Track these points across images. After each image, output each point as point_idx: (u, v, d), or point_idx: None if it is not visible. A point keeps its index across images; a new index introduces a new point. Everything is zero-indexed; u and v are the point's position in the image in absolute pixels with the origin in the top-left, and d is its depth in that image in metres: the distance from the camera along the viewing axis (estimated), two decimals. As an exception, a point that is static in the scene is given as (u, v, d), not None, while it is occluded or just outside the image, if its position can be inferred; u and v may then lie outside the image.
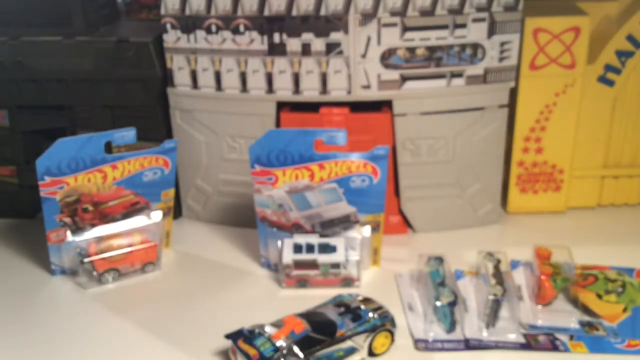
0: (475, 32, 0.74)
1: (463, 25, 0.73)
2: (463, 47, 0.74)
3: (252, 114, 0.78)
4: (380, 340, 0.61)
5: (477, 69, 0.76)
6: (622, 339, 0.62)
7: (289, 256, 0.70)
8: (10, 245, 0.81)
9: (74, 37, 0.81)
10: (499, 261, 0.68)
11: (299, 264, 0.70)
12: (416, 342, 0.62)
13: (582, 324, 0.64)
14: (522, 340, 0.62)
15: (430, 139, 0.78)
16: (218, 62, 0.77)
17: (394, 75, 0.75)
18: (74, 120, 0.84)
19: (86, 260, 0.71)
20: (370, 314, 0.61)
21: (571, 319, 0.64)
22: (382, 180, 0.70)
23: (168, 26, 0.78)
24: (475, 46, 0.75)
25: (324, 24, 0.73)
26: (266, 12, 0.74)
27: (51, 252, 0.73)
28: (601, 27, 0.81)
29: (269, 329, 0.58)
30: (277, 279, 0.73)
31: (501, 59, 0.76)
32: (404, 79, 0.75)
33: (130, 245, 0.73)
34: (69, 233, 0.72)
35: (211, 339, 0.62)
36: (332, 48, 0.74)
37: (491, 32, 0.74)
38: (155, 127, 0.83)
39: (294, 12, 0.73)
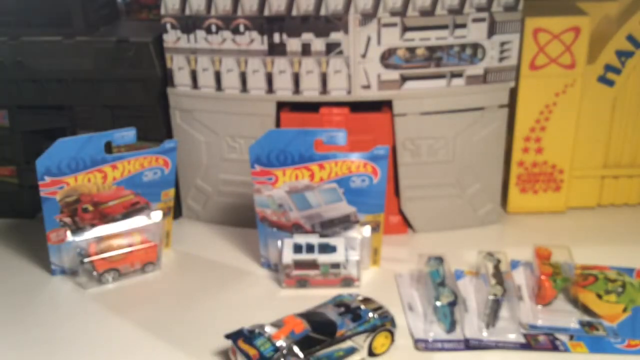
0: (475, 32, 0.74)
1: (463, 25, 0.73)
2: (463, 47, 0.74)
3: (252, 114, 0.78)
4: (380, 340, 0.61)
5: (477, 69, 0.76)
6: (622, 339, 0.62)
7: (289, 256, 0.70)
8: (10, 245, 0.81)
9: (74, 37, 0.81)
10: (499, 261, 0.68)
11: (299, 264, 0.70)
12: (416, 342, 0.62)
13: (582, 324, 0.64)
14: (522, 340, 0.62)
15: (430, 139, 0.78)
16: (218, 62, 0.77)
17: (394, 75, 0.75)
18: (74, 120, 0.84)
19: (86, 260, 0.71)
20: (370, 314, 0.61)
21: (571, 319, 0.64)
22: (382, 180, 0.70)
23: (168, 26, 0.78)
24: (475, 46, 0.75)
25: (324, 24, 0.73)
26: (266, 12, 0.74)
27: (51, 252, 0.73)
28: (601, 27, 0.81)
29: (269, 329, 0.58)
30: (277, 279, 0.73)
31: (501, 59, 0.76)
32: (404, 79, 0.75)
33: (130, 245, 0.73)
34: (69, 233, 0.72)
35: (211, 339, 0.62)
36: (332, 48, 0.74)
37: (491, 32, 0.74)
38: (155, 127, 0.83)
39: (294, 12, 0.73)
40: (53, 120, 0.84)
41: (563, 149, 0.82)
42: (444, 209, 0.81)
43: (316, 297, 0.65)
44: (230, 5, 0.74)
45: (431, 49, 0.74)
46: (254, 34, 0.75)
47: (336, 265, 0.70)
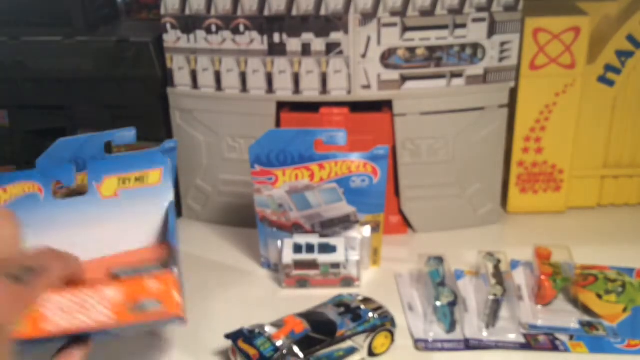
0: (475, 32, 0.74)
1: (463, 25, 0.73)
2: (463, 47, 0.74)
3: (252, 114, 0.78)
4: (380, 340, 0.61)
5: (477, 69, 0.76)
6: (622, 339, 0.62)
7: (289, 256, 0.70)
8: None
9: (74, 37, 0.81)
10: (499, 261, 0.68)
11: (299, 264, 0.70)
12: (416, 342, 0.62)
13: (582, 324, 0.64)
14: (522, 340, 0.62)
15: (430, 139, 0.78)
16: (218, 62, 0.77)
17: (394, 75, 0.75)
18: (74, 120, 0.84)
19: (86, 260, 0.71)
20: (370, 314, 0.61)
21: (571, 319, 0.64)
22: (382, 180, 0.70)
23: (168, 26, 0.78)
24: (475, 46, 0.75)
25: (324, 24, 0.73)
26: (266, 12, 0.74)
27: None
28: (601, 27, 0.81)
29: (269, 329, 0.58)
30: (277, 279, 0.73)
31: (501, 59, 0.76)
32: (404, 79, 0.75)
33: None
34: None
35: (211, 339, 0.62)
36: (332, 48, 0.74)
37: (491, 32, 0.74)
38: (155, 127, 0.83)
39: (294, 12, 0.73)
40: (53, 120, 0.84)
41: (563, 149, 0.82)
42: (444, 209, 0.81)
43: (316, 297, 0.65)
44: (230, 5, 0.74)
45: (431, 49, 0.74)
46: (254, 34, 0.75)
47: (336, 265, 0.70)
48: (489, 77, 0.76)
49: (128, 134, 0.73)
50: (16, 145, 0.84)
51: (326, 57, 0.74)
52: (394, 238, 0.80)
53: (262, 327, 0.59)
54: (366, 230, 0.72)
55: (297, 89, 0.76)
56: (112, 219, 0.58)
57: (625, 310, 0.66)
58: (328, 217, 0.72)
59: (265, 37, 0.75)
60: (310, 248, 0.70)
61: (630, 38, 0.79)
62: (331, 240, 0.71)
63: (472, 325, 0.64)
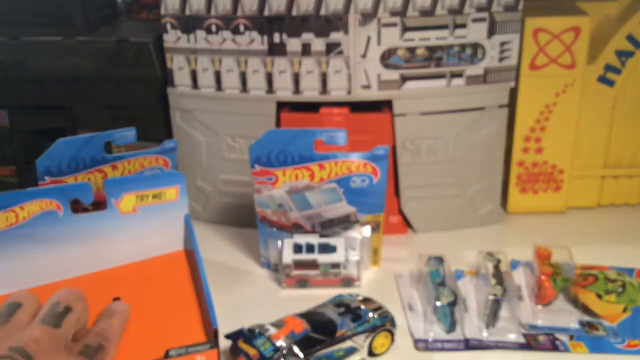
0: (475, 32, 0.74)
1: (463, 25, 0.73)
2: (463, 47, 0.74)
3: (252, 114, 0.78)
4: (380, 340, 0.61)
5: (477, 69, 0.76)
6: (622, 339, 0.62)
7: (289, 256, 0.70)
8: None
9: (74, 37, 0.81)
10: (499, 261, 0.68)
11: (299, 264, 0.70)
12: (416, 342, 0.62)
13: (582, 324, 0.64)
14: (522, 340, 0.62)
15: (430, 139, 0.78)
16: (218, 62, 0.77)
17: (394, 75, 0.75)
18: (74, 120, 0.84)
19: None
20: (370, 314, 0.61)
21: (571, 319, 0.64)
22: (382, 180, 0.70)
23: (168, 26, 0.78)
24: (475, 46, 0.75)
25: (324, 24, 0.73)
26: (266, 12, 0.74)
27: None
28: (601, 27, 0.81)
29: (269, 329, 0.58)
30: (277, 279, 0.73)
31: (501, 59, 0.76)
32: (404, 79, 0.75)
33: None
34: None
35: (211, 339, 0.62)
36: (332, 48, 0.74)
37: (491, 32, 0.74)
38: (155, 127, 0.83)
39: (294, 12, 0.73)
40: (53, 120, 0.84)
41: (563, 149, 0.82)
42: (444, 209, 0.81)
43: (316, 297, 0.65)
44: (230, 5, 0.74)
45: (431, 49, 0.74)
46: (254, 34, 0.75)
47: (336, 265, 0.70)
48: (489, 77, 0.76)
49: (128, 134, 0.73)
50: (16, 145, 0.84)
51: (326, 57, 0.75)
52: (394, 238, 0.80)
53: (262, 327, 0.59)
54: (366, 230, 0.72)
55: (297, 89, 0.76)
56: (131, 232, 0.61)
57: (625, 310, 0.66)
58: (328, 217, 0.72)
59: (265, 37, 0.75)
60: (310, 248, 0.70)
61: (630, 38, 0.79)
62: (331, 240, 0.71)
63: (472, 325, 0.64)
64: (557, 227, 0.83)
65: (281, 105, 0.78)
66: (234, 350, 0.59)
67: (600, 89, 0.81)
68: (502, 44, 0.75)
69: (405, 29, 0.73)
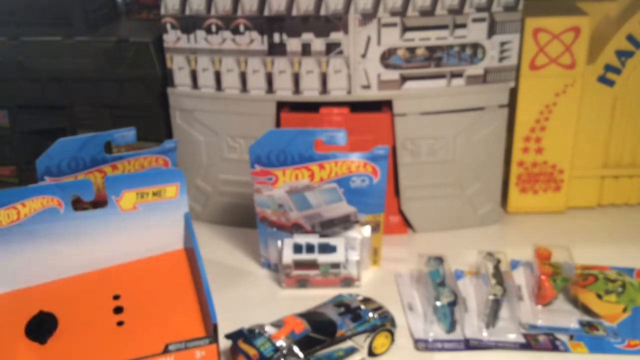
0: (475, 32, 0.74)
1: (463, 25, 0.73)
2: (463, 47, 0.74)
3: (252, 114, 0.78)
4: (380, 340, 0.61)
5: (477, 69, 0.76)
6: (622, 339, 0.62)
7: (289, 256, 0.70)
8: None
9: (74, 37, 0.81)
10: (499, 261, 0.68)
11: (299, 264, 0.70)
12: (416, 342, 0.62)
13: (582, 324, 0.64)
14: (522, 340, 0.62)
15: (430, 139, 0.78)
16: (218, 62, 0.77)
17: (394, 75, 0.75)
18: (74, 120, 0.84)
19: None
20: (370, 314, 0.61)
21: (571, 319, 0.64)
22: (382, 180, 0.70)
23: (168, 26, 0.78)
24: (475, 46, 0.75)
25: (324, 24, 0.73)
26: (266, 12, 0.74)
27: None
28: (601, 27, 0.81)
29: (269, 329, 0.58)
30: (277, 279, 0.73)
31: (501, 59, 0.76)
32: (404, 79, 0.75)
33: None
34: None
35: (211, 339, 0.62)
36: (332, 48, 0.74)
37: (491, 32, 0.74)
38: (155, 127, 0.83)
39: (294, 12, 0.73)
40: (53, 120, 0.84)
41: (563, 149, 0.82)
42: (444, 209, 0.81)
43: (316, 297, 0.65)
44: (230, 5, 0.74)
45: (431, 49, 0.74)
46: (254, 34, 0.75)
47: (336, 265, 0.70)
48: (489, 77, 0.76)
49: (128, 134, 0.73)
50: (16, 145, 0.84)
51: (326, 57, 0.75)
52: (394, 238, 0.80)
53: (262, 327, 0.59)
54: (366, 230, 0.72)
55: (297, 89, 0.76)
56: (132, 229, 0.61)
57: (625, 310, 0.66)
58: (328, 217, 0.72)
59: (265, 37, 0.75)
60: (310, 248, 0.70)
61: (630, 38, 0.79)
62: (331, 240, 0.71)
63: (472, 325, 0.64)
64: (557, 227, 0.83)
65: (281, 105, 0.78)
66: (234, 350, 0.59)
67: (600, 89, 0.81)
68: (502, 44, 0.75)
69: (405, 29, 0.73)
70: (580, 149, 0.83)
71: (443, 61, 0.75)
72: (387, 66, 0.74)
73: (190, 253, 0.62)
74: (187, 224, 0.63)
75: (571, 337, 0.63)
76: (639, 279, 0.71)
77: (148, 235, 0.62)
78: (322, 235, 0.72)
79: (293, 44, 0.74)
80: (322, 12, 0.73)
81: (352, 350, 0.59)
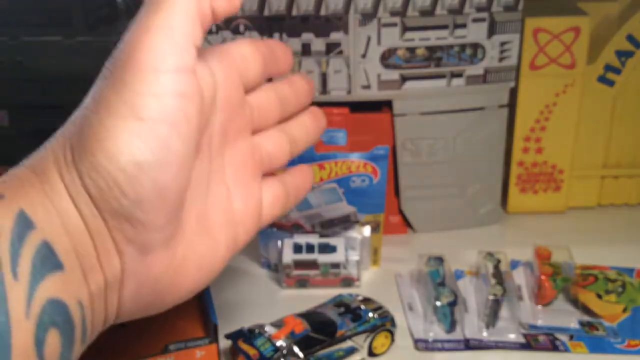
0: (475, 32, 0.74)
1: (463, 25, 0.73)
2: (463, 47, 0.74)
3: (252, 114, 0.78)
4: (381, 340, 0.61)
5: (477, 69, 0.76)
6: (622, 339, 0.62)
7: (289, 256, 0.70)
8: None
9: (74, 37, 0.81)
10: (499, 261, 0.68)
11: (299, 264, 0.70)
12: (416, 342, 0.62)
13: (582, 324, 0.64)
14: (522, 340, 0.62)
15: (430, 139, 0.78)
16: (218, 62, 0.77)
17: (394, 75, 0.75)
18: (74, 120, 0.84)
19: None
20: (370, 314, 0.61)
21: (571, 319, 0.64)
22: (382, 180, 0.70)
23: (168, 26, 0.77)
24: (475, 46, 0.75)
25: (324, 24, 0.73)
26: (266, 12, 0.74)
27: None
28: (601, 27, 0.81)
29: (269, 329, 0.58)
30: (277, 279, 0.73)
31: (501, 59, 0.76)
32: (404, 79, 0.75)
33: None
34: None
35: (211, 339, 0.62)
36: (332, 48, 0.74)
37: (491, 32, 0.74)
38: (155, 127, 0.83)
39: (294, 12, 0.73)
40: (53, 120, 0.84)
41: (563, 149, 0.82)
42: (444, 209, 0.81)
43: (316, 297, 0.65)
44: (230, 5, 0.74)
45: (431, 49, 0.74)
46: (254, 34, 0.75)
47: (336, 265, 0.70)
48: (489, 77, 0.76)
49: (128, 134, 0.73)
50: (16, 145, 0.84)
51: (326, 57, 0.75)
52: (394, 238, 0.80)
53: (262, 327, 0.59)
54: (366, 230, 0.72)
55: (297, 89, 0.76)
56: None
57: (625, 310, 0.66)
58: (328, 217, 0.72)
59: (265, 37, 0.74)
60: (310, 248, 0.70)
61: (630, 38, 0.79)
62: (331, 240, 0.71)
63: (472, 325, 0.64)
64: (557, 227, 0.83)
65: (281, 105, 0.78)
66: (234, 350, 0.59)
67: (600, 89, 0.81)
68: (502, 44, 0.75)
69: (405, 29, 0.73)
70: (580, 149, 0.83)
71: (443, 61, 0.75)
72: (387, 66, 0.74)
73: None
74: None
75: (571, 337, 0.63)
76: (639, 279, 0.71)
77: None
78: (322, 235, 0.72)
79: (293, 44, 0.74)
80: (322, 12, 0.73)
81: (352, 350, 0.59)
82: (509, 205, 0.86)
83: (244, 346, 0.58)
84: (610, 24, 0.81)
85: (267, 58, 0.49)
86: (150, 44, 0.39)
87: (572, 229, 0.82)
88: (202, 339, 0.54)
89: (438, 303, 0.63)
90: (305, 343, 0.57)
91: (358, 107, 0.77)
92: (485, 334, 0.63)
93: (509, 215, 0.86)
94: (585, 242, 0.78)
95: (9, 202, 0.37)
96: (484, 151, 0.79)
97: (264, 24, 0.74)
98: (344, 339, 0.59)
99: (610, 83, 0.80)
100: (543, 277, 0.66)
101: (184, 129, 0.40)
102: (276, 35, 0.74)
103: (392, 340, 0.62)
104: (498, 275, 0.66)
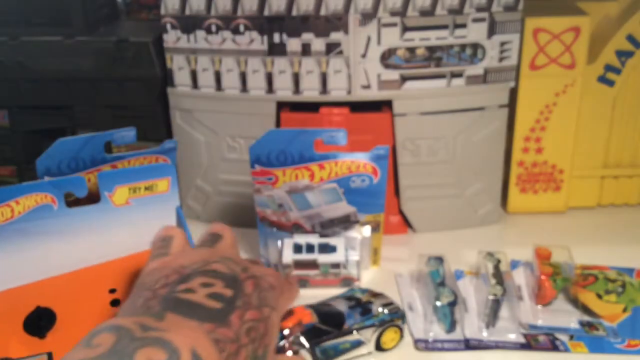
0: (475, 32, 0.74)
1: (463, 25, 0.73)
2: (463, 47, 0.74)
3: (252, 114, 0.78)
4: (390, 335, 0.61)
5: (477, 69, 0.76)
6: (622, 339, 0.62)
7: (289, 256, 0.70)
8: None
9: (74, 37, 0.81)
10: (499, 261, 0.68)
11: (299, 264, 0.70)
12: (416, 342, 0.62)
13: (582, 324, 0.64)
14: (522, 340, 0.62)
15: (430, 139, 0.78)
16: (218, 62, 0.77)
17: (394, 75, 0.75)
18: (74, 120, 0.84)
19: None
20: (380, 309, 0.61)
21: (571, 319, 0.64)
22: (382, 180, 0.70)
23: (168, 26, 0.78)
24: (475, 46, 0.75)
25: (324, 24, 0.73)
26: (266, 12, 0.74)
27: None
28: (601, 27, 0.81)
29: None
30: (277, 279, 0.73)
31: (501, 59, 0.76)
32: (404, 79, 0.75)
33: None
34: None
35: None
36: (332, 48, 0.74)
37: (491, 32, 0.74)
38: (155, 127, 0.83)
39: (294, 12, 0.73)
40: (53, 120, 0.84)
41: (563, 149, 0.82)
42: (444, 209, 0.81)
43: (316, 297, 0.65)
44: (230, 5, 0.74)
45: (431, 49, 0.74)
46: (254, 34, 0.75)
47: (336, 265, 0.70)
48: (489, 77, 0.76)
49: (128, 134, 0.73)
50: (16, 145, 0.84)
51: (326, 57, 0.75)
52: (394, 238, 0.80)
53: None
54: (366, 230, 0.72)
55: (297, 89, 0.76)
56: (125, 224, 0.62)
57: (625, 310, 0.66)
58: (328, 217, 0.72)
59: (265, 37, 0.75)
60: (310, 248, 0.70)
61: (630, 38, 0.79)
62: (331, 240, 0.71)
63: (472, 325, 0.64)
64: (557, 227, 0.83)
65: (281, 105, 0.78)
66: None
67: (600, 89, 0.81)
68: (502, 44, 0.75)
69: (405, 29, 0.73)
70: (580, 149, 0.83)
71: (443, 61, 0.75)
72: (387, 66, 0.74)
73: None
74: (179, 217, 0.63)
75: (571, 337, 0.63)
76: (639, 279, 0.71)
77: (142, 230, 0.62)
78: (322, 235, 0.72)
79: (293, 44, 0.74)
80: (322, 12, 0.73)
81: (358, 344, 0.60)
82: (509, 205, 0.86)
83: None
84: (610, 24, 0.81)
85: None
86: None
87: (572, 229, 0.82)
88: None
89: (438, 303, 0.63)
90: (312, 333, 0.57)
91: (358, 107, 0.77)
92: (485, 334, 0.63)
93: (509, 215, 0.86)
94: (585, 242, 0.78)
95: None
96: (484, 151, 0.79)
97: (264, 24, 0.74)
98: (350, 331, 0.59)
99: (610, 83, 0.80)
100: (543, 277, 0.66)
101: None
102: (276, 35, 0.74)
103: (402, 336, 0.62)
104: (498, 275, 0.66)
